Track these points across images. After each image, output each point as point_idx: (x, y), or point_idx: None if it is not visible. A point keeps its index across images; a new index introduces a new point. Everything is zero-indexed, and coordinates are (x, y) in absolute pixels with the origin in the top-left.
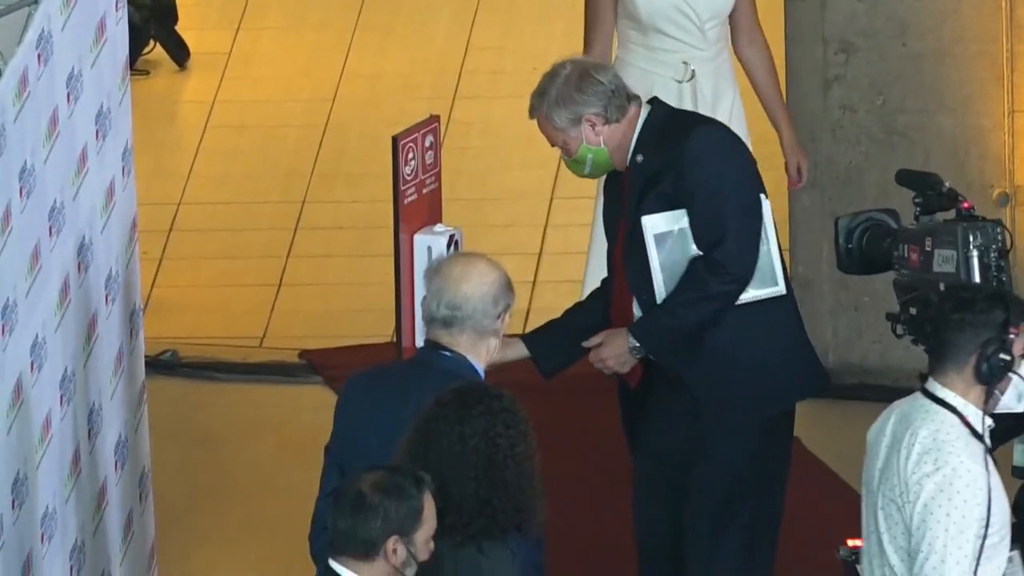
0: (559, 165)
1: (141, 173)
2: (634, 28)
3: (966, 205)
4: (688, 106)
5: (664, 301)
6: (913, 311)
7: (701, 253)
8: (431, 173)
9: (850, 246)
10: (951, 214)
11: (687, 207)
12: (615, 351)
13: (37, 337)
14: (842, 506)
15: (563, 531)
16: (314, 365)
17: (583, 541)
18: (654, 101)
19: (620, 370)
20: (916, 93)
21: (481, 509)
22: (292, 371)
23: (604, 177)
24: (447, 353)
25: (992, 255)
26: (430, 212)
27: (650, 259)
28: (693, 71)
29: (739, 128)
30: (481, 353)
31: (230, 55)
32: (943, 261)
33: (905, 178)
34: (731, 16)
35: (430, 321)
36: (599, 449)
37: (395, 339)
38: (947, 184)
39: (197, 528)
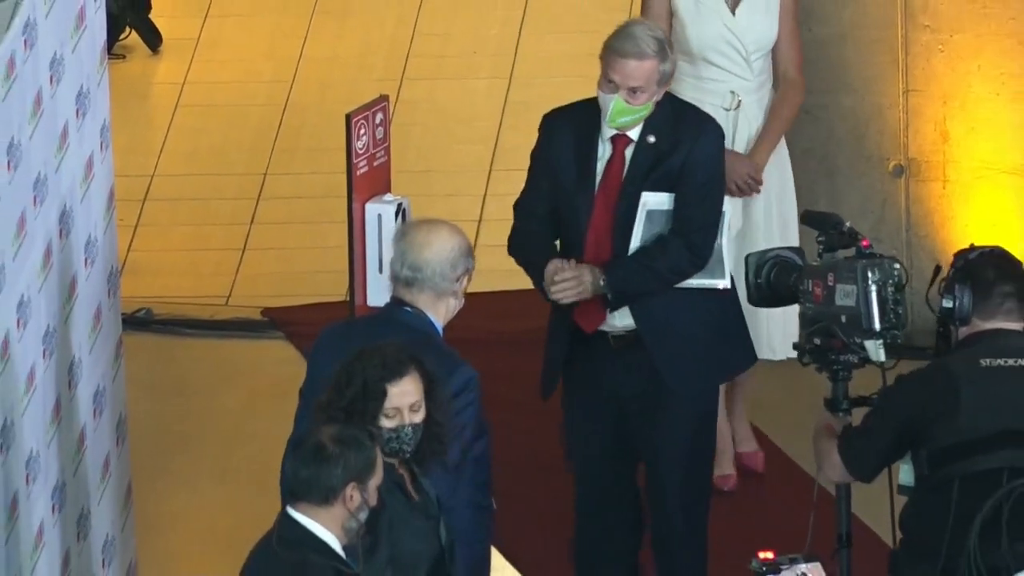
0: (497, 140)
1: (117, 148)
2: (685, 60)
3: (865, 243)
4: (734, 133)
5: (638, 257)
6: (817, 341)
7: (673, 229)
8: (381, 147)
9: (759, 281)
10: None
11: (678, 186)
12: (584, 279)
13: (23, 297)
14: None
15: (512, 475)
16: (276, 322)
17: (529, 481)
18: None
19: (577, 297)
20: (820, 74)
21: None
22: (256, 327)
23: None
24: (408, 309)
25: (889, 290)
26: (380, 183)
27: (634, 230)
28: (740, 100)
29: (781, 153)
30: (440, 311)
31: (198, 40)
32: (844, 295)
33: (809, 219)
34: (773, 51)
35: (395, 280)
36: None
37: (349, 298)
38: (847, 223)
39: (171, 472)
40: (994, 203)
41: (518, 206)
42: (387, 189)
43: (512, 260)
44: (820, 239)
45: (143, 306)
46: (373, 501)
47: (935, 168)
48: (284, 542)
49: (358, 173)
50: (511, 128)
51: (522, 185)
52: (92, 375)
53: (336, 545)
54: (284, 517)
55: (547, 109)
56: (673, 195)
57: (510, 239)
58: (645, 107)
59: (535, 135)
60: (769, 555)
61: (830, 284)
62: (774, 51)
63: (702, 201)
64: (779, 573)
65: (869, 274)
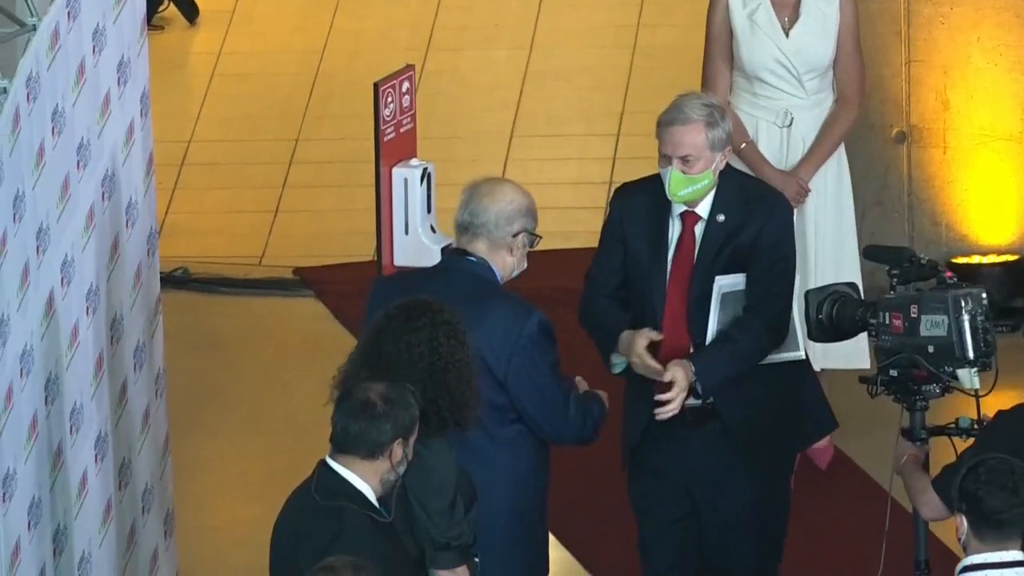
0: (518, 108)
1: (156, 115)
2: (741, 76)
3: (949, 274)
4: (785, 150)
5: (723, 345)
6: (894, 373)
7: (750, 307)
8: (407, 115)
9: (820, 317)
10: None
11: (752, 264)
12: (682, 387)
13: (67, 256)
14: None
15: None
16: (306, 281)
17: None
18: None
19: (677, 409)
20: None
21: (426, 408)
22: (287, 286)
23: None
24: (472, 258)
25: (980, 319)
26: (406, 148)
27: (711, 315)
28: (792, 118)
29: (841, 166)
30: (498, 263)
31: (233, 13)
32: (932, 326)
33: (876, 253)
34: (833, 68)
35: (456, 228)
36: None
37: (376, 258)
38: (923, 255)
39: (206, 422)
40: (992, 168)
41: (589, 278)
42: (413, 154)
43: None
44: (894, 272)
45: (180, 265)
46: (410, 456)
47: (936, 135)
48: (322, 490)
49: (385, 139)
50: (531, 96)
51: (540, 151)
52: (132, 331)
53: (371, 495)
54: (323, 467)
55: (566, 78)
56: (745, 275)
57: (581, 309)
58: (705, 177)
59: (554, 103)
60: None
61: (913, 316)
62: (834, 69)
63: (777, 279)
64: None
65: (963, 303)
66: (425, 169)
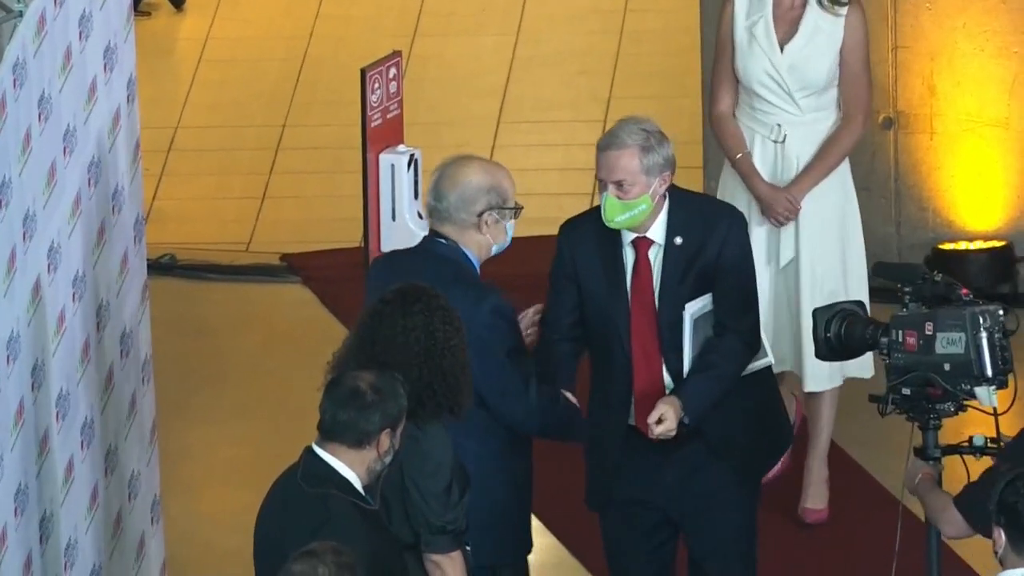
0: (504, 94)
1: (143, 101)
2: (741, 87)
3: (965, 291)
4: (779, 165)
5: (705, 372)
6: (907, 391)
7: (722, 323)
8: (394, 101)
9: (828, 335)
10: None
11: (717, 282)
12: (674, 420)
13: (53, 243)
14: None
15: None
16: (293, 267)
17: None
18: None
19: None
20: None
21: (422, 393)
22: (274, 272)
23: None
24: (442, 241)
25: (997, 336)
26: (393, 134)
27: (685, 343)
28: (785, 134)
29: (845, 185)
30: (470, 244)
31: None
32: (948, 343)
33: (887, 270)
34: (839, 88)
35: (427, 211)
36: None
37: (363, 244)
38: (936, 273)
39: (193, 408)
40: (978, 154)
41: (545, 323)
42: (400, 140)
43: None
44: (907, 290)
45: (167, 252)
46: (398, 445)
47: (922, 121)
48: (308, 477)
49: (372, 125)
50: (518, 82)
51: (527, 136)
52: (119, 317)
53: (358, 484)
54: (309, 454)
55: (553, 64)
56: (711, 295)
57: (539, 356)
58: (641, 202)
59: (541, 89)
60: None
61: (928, 333)
62: (840, 87)
63: (743, 292)
64: None
65: (981, 321)
66: (412, 155)
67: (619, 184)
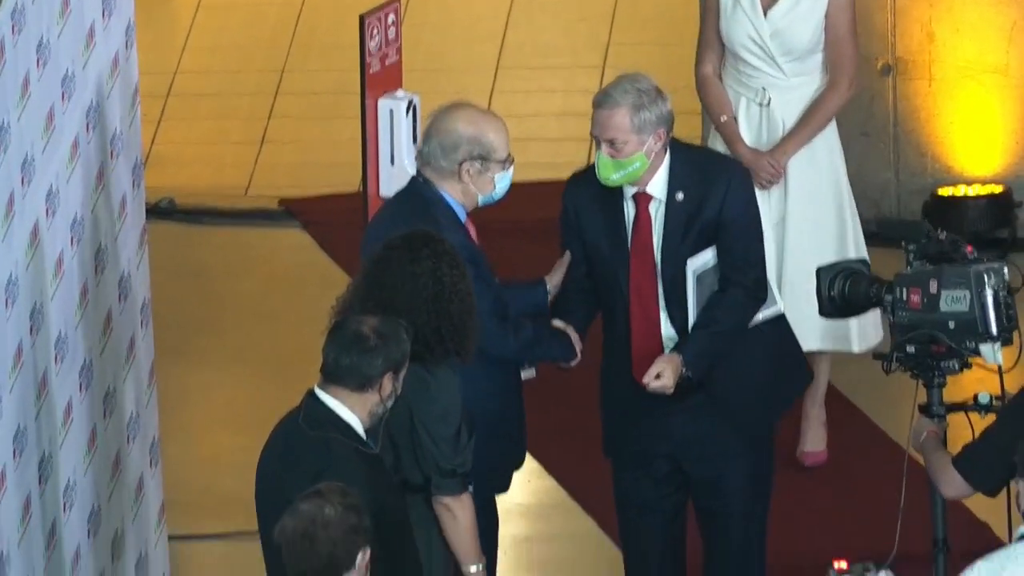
0: (503, 40)
1: (142, 46)
2: (727, 51)
3: (969, 249)
4: (764, 128)
5: (707, 327)
6: (911, 349)
7: (726, 278)
8: (393, 47)
9: (832, 294)
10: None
11: (720, 237)
12: (672, 378)
13: (51, 187)
14: None
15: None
16: (292, 211)
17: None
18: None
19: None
20: None
21: (430, 337)
22: (273, 216)
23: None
24: (420, 180)
25: (1002, 293)
26: (392, 80)
27: (689, 299)
28: (770, 97)
29: (830, 142)
30: (452, 191)
31: None
32: (953, 301)
33: (891, 227)
34: (825, 52)
35: (415, 151)
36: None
37: (362, 189)
38: (940, 230)
39: (193, 352)
40: (977, 100)
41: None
42: (398, 86)
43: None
44: (910, 247)
45: (166, 196)
46: (399, 390)
47: (921, 67)
48: (310, 420)
49: (371, 71)
50: (516, 28)
51: (526, 83)
52: (118, 261)
53: (359, 427)
54: (311, 397)
55: (552, 9)
56: (714, 248)
57: (551, 305)
58: (636, 159)
59: (540, 35)
60: (843, 564)
61: (933, 291)
62: (825, 51)
63: (748, 245)
64: None
65: (985, 278)
66: (411, 101)
67: (611, 142)
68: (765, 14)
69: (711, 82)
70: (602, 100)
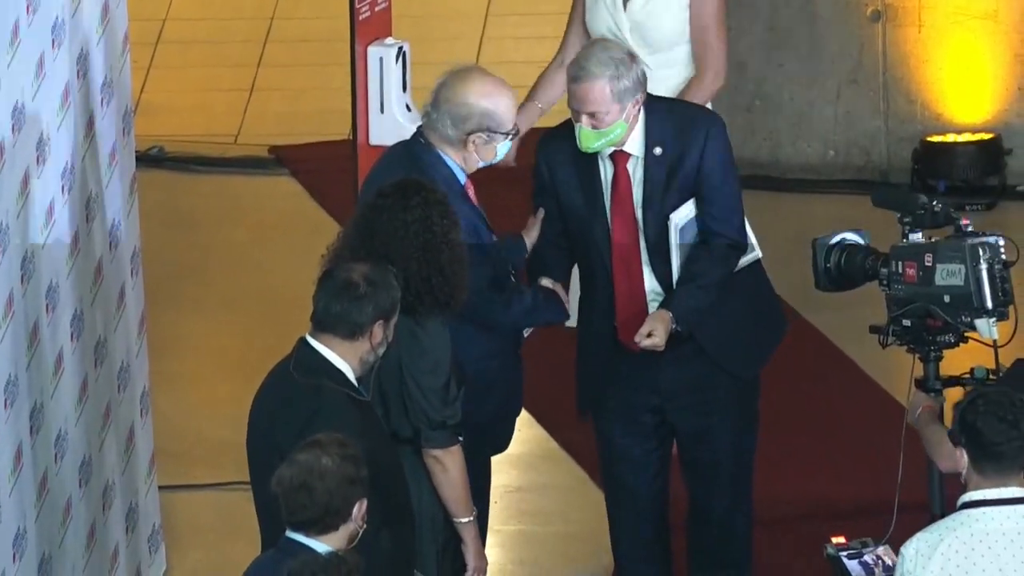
0: None
1: None
2: None
3: (965, 221)
4: None
5: (694, 280)
6: (907, 322)
7: (708, 229)
8: None
9: (828, 266)
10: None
11: (700, 188)
12: (664, 335)
13: (42, 135)
14: None
15: None
16: (281, 159)
17: None
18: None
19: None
20: None
21: (420, 287)
22: (263, 164)
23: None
24: (422, 140)
25: (997, 267)
26: (382, 27)
27: (671, 248)
28: None
29: None
30: (451, 155)
31: None
32: (948, 275)
33: (885, 199)
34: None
35: (423, 111)
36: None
37: (351, 137)
38: (936, 202)
39: (183, 301)
40: (966, 47)
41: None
42: (388, 33)
43: None
44: (906, 220)
45: (156, 144)
46: (391, 337)
47: (911, 13)
48: (301, 367)
49: (360, 18)
50: None
51: (516, 29)
52: (108, 209)
53: (351, 375)
54: (303, 345)
55: None
56: (693, 200)
57: (528, 262)
58: (616, 127)
59: None
60: (841, 539)
61: (928, 264)
62: (691, 44)
63: (728, 195)
64: (862, 556)
65: (981, 252)
66: (401, 48)
67: (593, 115)
68: (625, 7)
69: (549, 70)
70: (579, 74)
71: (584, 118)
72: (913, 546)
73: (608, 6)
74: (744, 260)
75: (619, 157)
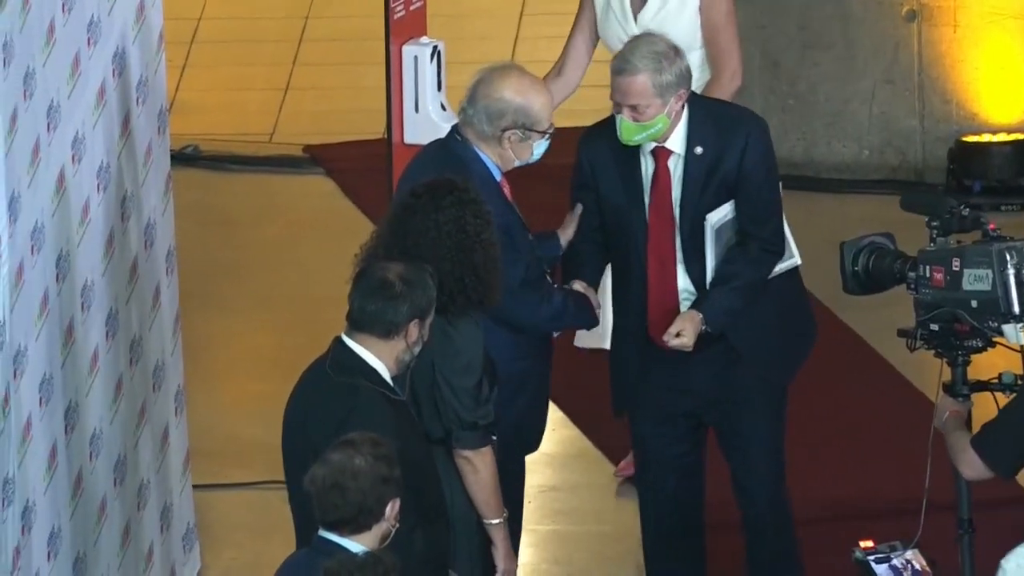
0: None
1: None
2: (610, 52)
3: (992, 226)
4: None
5: (727, 282)
6: (935, 327)
7: (745, 231)
8: None
9: (856, 269)
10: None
11: (739, 190)
12: (692, 335)
13: (77, 134)
14: None
15: None
16: (316, 158)
17: None
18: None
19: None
20: None
21: (453, 287)
22: (297, 163)
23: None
24: (458, 137)
25: None
26: (416, 26)
27: (707, 253)
28: None
29: None
30: (488, 153)
31: None
32: (975, 280)
33: (913, 203)
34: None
35: (459, 109)
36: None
37: (386, 136)
38: (963, 206)
39: (217, 299)
40: (1002, 47)
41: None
42: (423, 32)
43: None
44: (934, 224)
45: (191, 143)
46: (426, 336)
47: (947, 13)
48: (337, 366)
49: (395, 17)
50: None
51: (550, 29)
52: (143, 208)
53: (386, 374)
54: (339, 344)
55: None
56: (732, 203)
57: (565, 255)
58: (658, 121)
59: None
60: (869, 543)
61: (955, 269)
62: (704, 47)
63: (767, 198)
64: (890, 560)
65: (1008, 258)
66: (435, 47)
67: (634, 108)
68: (636, 19)
69: (546, 80)
70: (622, 67)
71: (625, 110)
72: (1015, 561)
73: (619, 18)
74: (781, 266)
75: (661, 153)
